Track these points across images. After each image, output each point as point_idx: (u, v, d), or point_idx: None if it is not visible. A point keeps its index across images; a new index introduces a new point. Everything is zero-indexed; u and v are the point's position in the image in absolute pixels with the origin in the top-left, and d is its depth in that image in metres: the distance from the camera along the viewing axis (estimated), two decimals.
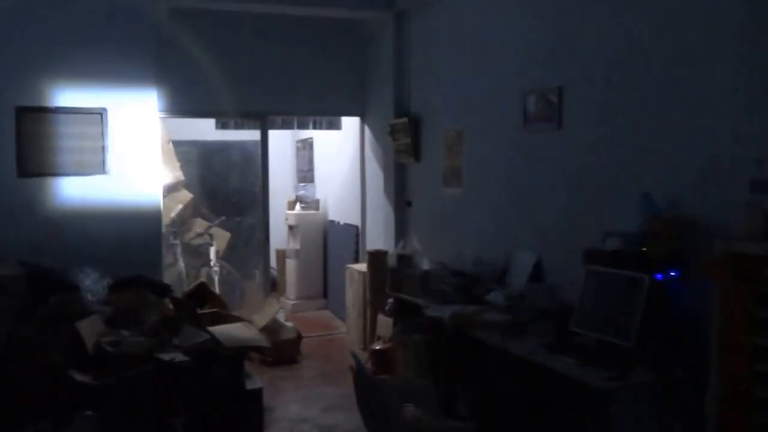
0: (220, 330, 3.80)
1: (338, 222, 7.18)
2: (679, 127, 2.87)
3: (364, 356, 4.86)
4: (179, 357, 3.39)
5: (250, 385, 3.80)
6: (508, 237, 4.14)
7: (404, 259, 4.93)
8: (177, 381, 3.36)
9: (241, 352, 3.81)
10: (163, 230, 5.79)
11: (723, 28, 2.64)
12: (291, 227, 7.59)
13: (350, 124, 6.78)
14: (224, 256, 7.17)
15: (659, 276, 2.74)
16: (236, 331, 3.92)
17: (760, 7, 2.46)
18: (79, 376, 3.20)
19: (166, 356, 3.37)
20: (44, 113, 4.87)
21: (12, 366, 3.23)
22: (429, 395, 3.17)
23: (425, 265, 4.90)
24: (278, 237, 7.47)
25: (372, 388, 2.89)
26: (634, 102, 3.13)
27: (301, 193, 7.93)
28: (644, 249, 2.82)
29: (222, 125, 6.99)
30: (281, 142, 8.26)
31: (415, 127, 5.37)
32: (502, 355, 3.15)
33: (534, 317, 3.33)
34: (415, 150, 5.38)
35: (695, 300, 2.59)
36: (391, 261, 5.13)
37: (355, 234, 6.62)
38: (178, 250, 6.86)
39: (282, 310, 5.89)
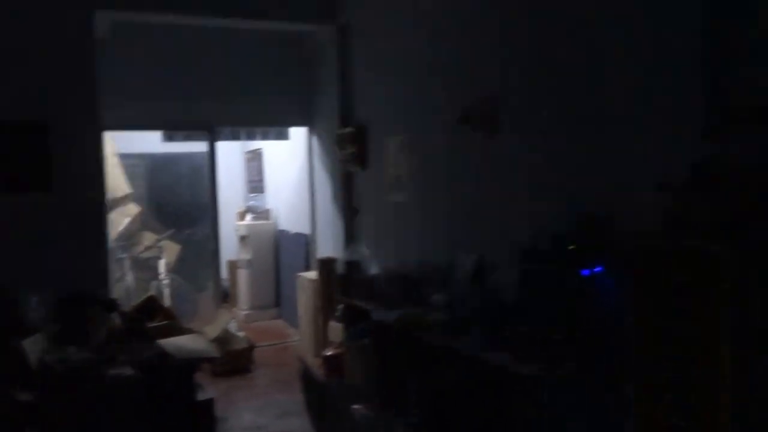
0: (169, 342, 3.81)
1: (289, 231, 7.23)
2: (602, 134, 3.06)
3: (317, 363, 4.93)
4: (127, 371, 3.40)
5: (201, 397, 3.83)
6: (451, 240, 4.28)
7: (353, 266, 5.03)
8: (125, 396, 3.36)
9: (191, 363, 3.83)
10: (111, 244, 5.74)
11: (638, 41, 2.85)
12: (242, 237, 7.60)
13: (299, 134, 6.86)
14: (175, 269, 7.14)
15: (586, 272, 2.92)
16: (186, 342, 3.93)
17: (678, 19, 2.67)
18: (22, 395, 3.17)
19: (113, 371, 3.38)
20: None
21: None
22: (376, 396, 3.27)
23: (373, 271, 5.01)
24: (229, 248, 7.47)
25: (320, 391, 2.98)
26: (563, 109, 3.31)
27: (252, 203, 7.95)
28: (571, 247, 3.01)
29: (169, 137, 6.98)
30: (230, 153, 8.27)
31: (360, 136, 5.49)
32: (445, 353, 3.28)
33: (475, 316, 3.47)
34: (361, 159, 5.49)
35: (620, 293, 2.77)
36: (340, 268, 5.22)
37: (305, 242, 6.69)
38: (127, 264, 6.81)
39: (234, 320, 5.91)
